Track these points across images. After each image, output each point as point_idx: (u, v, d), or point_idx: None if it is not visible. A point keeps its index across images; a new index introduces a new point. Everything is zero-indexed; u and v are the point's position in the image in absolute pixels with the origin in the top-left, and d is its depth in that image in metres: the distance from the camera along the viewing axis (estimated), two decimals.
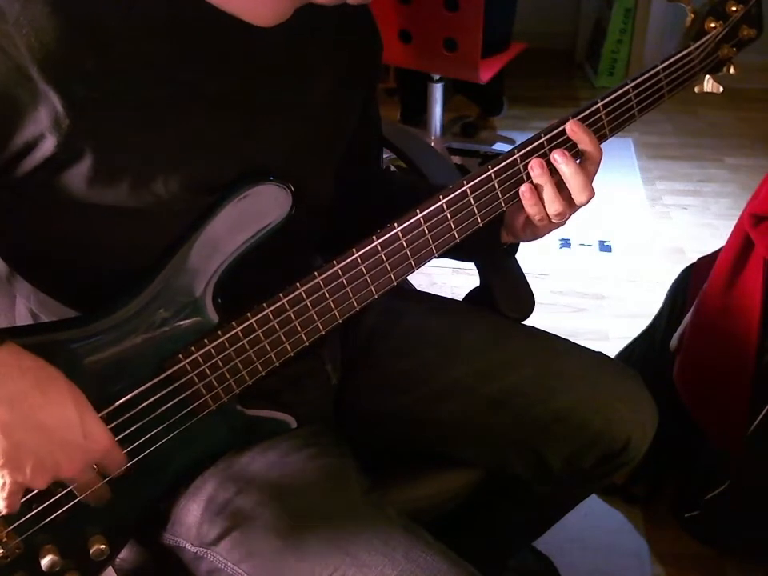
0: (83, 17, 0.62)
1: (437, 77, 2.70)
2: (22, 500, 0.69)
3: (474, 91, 3.14)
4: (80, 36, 0.62)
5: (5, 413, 0.60)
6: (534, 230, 0.86)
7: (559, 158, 0.78)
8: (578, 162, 0.79)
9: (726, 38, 0.82)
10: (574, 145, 0.79)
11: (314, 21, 0.76)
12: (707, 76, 0.84)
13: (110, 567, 0.86)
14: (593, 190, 0.80)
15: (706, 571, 1.47)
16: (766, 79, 3.00)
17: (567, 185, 0.79)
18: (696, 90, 0.85)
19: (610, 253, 2.42)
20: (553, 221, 0.82)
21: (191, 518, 0.81)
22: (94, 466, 0.70)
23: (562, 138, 0.78)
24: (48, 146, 0.63)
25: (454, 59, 2.41)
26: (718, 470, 1.42)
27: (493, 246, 0.93)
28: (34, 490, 0.70)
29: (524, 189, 0.79)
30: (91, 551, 0.75)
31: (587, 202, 0.80)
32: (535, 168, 0.78)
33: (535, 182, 0.78)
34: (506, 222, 0.89)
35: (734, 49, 0.83)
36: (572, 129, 0.77)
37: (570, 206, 0.81)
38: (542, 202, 0.80)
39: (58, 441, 0.64)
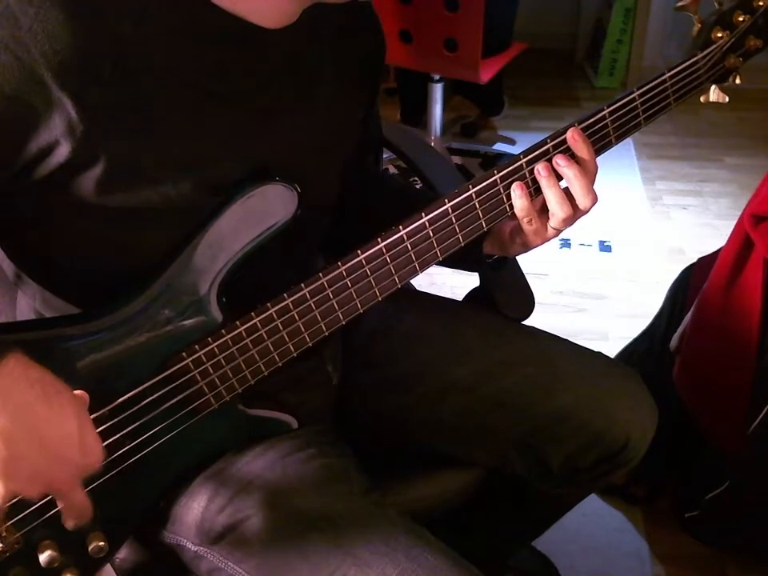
0: (97, 24, 0.62)
1: (437, 77, 2.71)
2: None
3: (473, 92, 3.14)
4: (94, 43, 0.62)
5: (9, 423, 0.60)
6: (524, 238, 0.84)
7: (562, 162, 0.78)
8: None
9: (732, 48, 0.82)
10: (573, 154, 0.79)
11: (319, 22, 0.77)
12: (713, 86, 0.84)
13: (110, 567, 0.86)
14: (596, 195, 0.79)
15: (705, 571, 1.47)
16: (766, 79, 3.00)
17: (571, 188, 0.78)
18: (702, 99, 0.85)
19: (610, 253, 2.42)
20: (555, 226, 0.81)
21: (192, 517, 0.81)
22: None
23: (568, 145, 0.78)
24: (62, 151, 0.63)
25: (455, 59, 2.42)
26: (718, 470, 1.42)
27: (477, 258, 0.92)
28: None
29: (515, 184, 0.78)
30: (90, 548, 0.74)
31: (591, 206, 0.80)
32: (542, 170, 0.77)
33: (543, 183, 0.78)
34: (492, 230, 0.87)
35: (741, 59, 0.83)
36: (573, 136, 0.77)
37: (575, 211, 0.80)
38: (534, 203, 0.79)
39: (56, 455, 0.63)
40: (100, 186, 0.66)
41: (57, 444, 0.63)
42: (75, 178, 0.65)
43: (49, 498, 0.71)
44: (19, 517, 0.71)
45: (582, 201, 0.79)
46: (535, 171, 0.78)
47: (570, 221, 0.80)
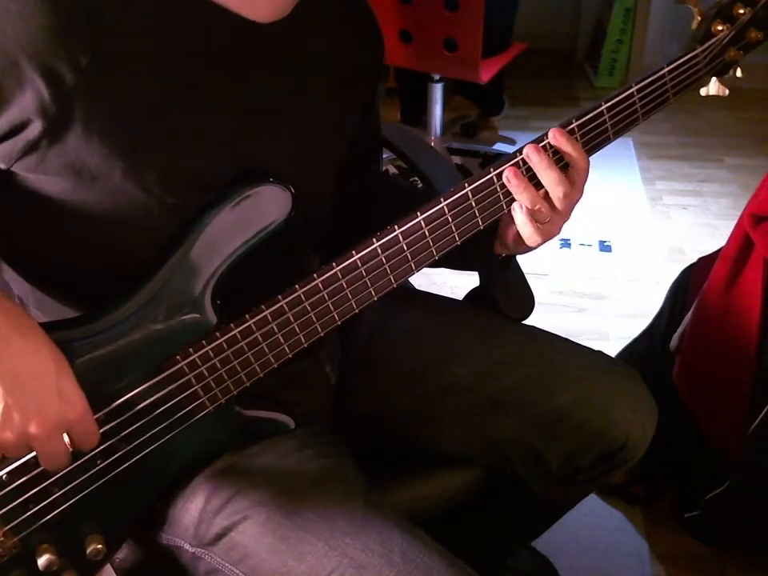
0: (77, 9, 0.62)
1: (437, 77, 2.71)
2: (19, 500, 0.70)
3: (473, 92, 3.14)
4: (71, 28, 0.62)
5: None
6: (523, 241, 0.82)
7: (532, 156, 0.76)
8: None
9: (732, 41, 0.81)
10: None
11: (314, 19, 0.76)
12: (713, 78, 0.84)
13: (111, 567, 0.86)
14: (568, 186, 0.78)
15: (705, 571, 1.47)
16: (766, 79, 3.00)
17: (541, 179, 0.77)
18: (702, 92, 0.85)
19: (610, 253, 2.42)
20: (560, 207, 0.79)
21: (189, 519, 0.80)
22: (66, 438, 0.67)
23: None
24: (34, 129, 0.63)
25: (455, 59, 2.42)
26: (718, 470, 1.42)
27: (487, 259, 0.91)
28: (27, 483, 0.69)
29: (508, 173, 0.77)
30: (88, 551, 0.74)
31: (564, 197, 0.78)
32: (533, 156, 0.76)
33: (536, 167, 0.77)
34: (498, 233, 0.88)
35: (741, 52, 0.82)
36: (554, 136, 0.77)
37: (573, 185, 0.79)
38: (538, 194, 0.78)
39: (30, 390, 0.61)
40: (77, 173, 0.66)
41: (31, 380, 0.61)
42: (49, 159, 0.65)
43: (61, 492, 0.71)
44: (17, 521, 0.71)
45: (554, 191, 0.77)
46: (525, 156, 0.76)
47: (569, 198, 0.79)
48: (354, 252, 0.75)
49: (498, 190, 0.78)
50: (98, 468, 0.73)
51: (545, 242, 0.83)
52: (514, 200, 0.79)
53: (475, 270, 1.01)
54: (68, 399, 0.64)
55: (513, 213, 0.79)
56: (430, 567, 0.73)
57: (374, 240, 0.75)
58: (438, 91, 2.76)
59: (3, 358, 0.60)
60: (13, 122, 0.63)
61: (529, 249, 0.86)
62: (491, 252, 0.90)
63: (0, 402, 0.60)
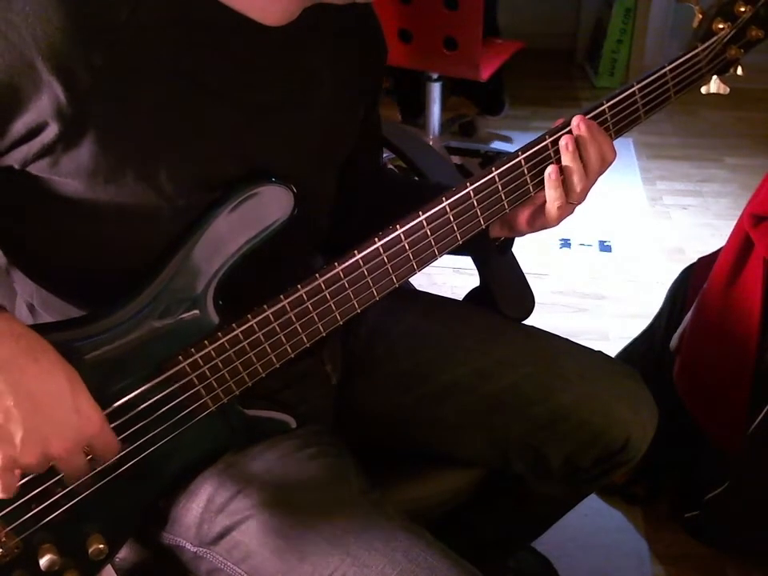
0: (90, 10, 0.62)
1: (435, 76, 2.70)
2: (21, 500, 0.70)
3: (474, 92, 3.14)
4: (86, 28, 0.62)
5: None
6: (544, 221, 0.84)
7: (582, 126, 0.78)
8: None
9: (733, 39, 0.82)
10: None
11: (320, 22, 0.77)
12: (714, 77, 0.84)
13: (111, 567, 0.86)
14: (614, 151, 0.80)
15: (705, 571, 1.47)
16: (766, 79, 3.00)
17: (585, 153, 0.79)
18: (703, 90, 0.85)
19: (610, 253, 2.42)
20: (575, 200, 0.81)
21: (191, 518, 0.80)
22: (86, 451, 0.68)
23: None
24: (50, 132, 0.63)
25: (454, 58, 2.42)
26: (718, 470, 1.42)
27: (485, 244, 0.92)
28: (29, 484, 0.69)
29: (551, 170, 0.78)
30: (90, 551, 0.74)
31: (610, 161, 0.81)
32: (569, 145, 0.77)
33: (566, 158, 0.78)
34: (502, 217, 0.88)
35: (742, 50, 0.83)
36: (578, 125, 0.78)
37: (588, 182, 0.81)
38: (564, 184, 0.79)
39: (48, 413, 0.62)
40: (91, 175, 0.66)
41: (48, 402, 0.62)
42: (64, 164, 0.65)
43: (64, 492, 0.71)
44: (19, 521, 0.71)
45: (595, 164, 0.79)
46: (562, 146, 0.77)
47: (585, 194, 0.81)
48: (356, 252, 0.75)
49: (500, 189, 0.78)
50: (100, 468, 0.73)
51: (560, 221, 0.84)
52: (515, 200, 0.79)
53: (470, 253, 1.00)
54: (85, 415, 0.64)
55: (549, 189, 0.80)
56: (433, 566, 0.73)
57: (376, 239, 0.75)
58: (436, 90, 2.75)
59: (19, 383, 0.60)
60: (30, 126, 0.63)
61: (544, 227, 0.86)
62: (487, 238, 0.90)
63: (19, 428, 0.60)
